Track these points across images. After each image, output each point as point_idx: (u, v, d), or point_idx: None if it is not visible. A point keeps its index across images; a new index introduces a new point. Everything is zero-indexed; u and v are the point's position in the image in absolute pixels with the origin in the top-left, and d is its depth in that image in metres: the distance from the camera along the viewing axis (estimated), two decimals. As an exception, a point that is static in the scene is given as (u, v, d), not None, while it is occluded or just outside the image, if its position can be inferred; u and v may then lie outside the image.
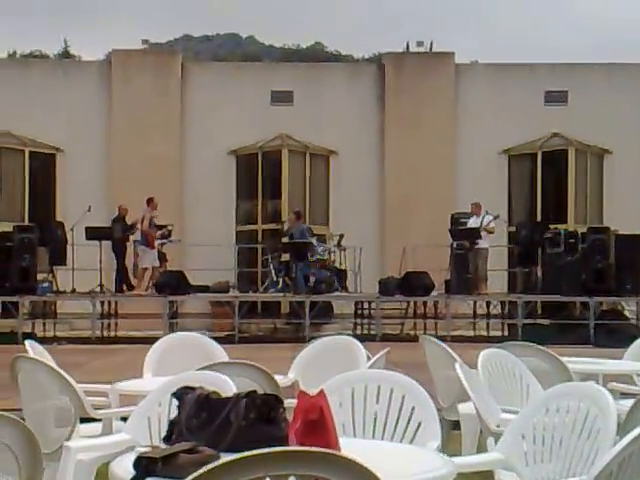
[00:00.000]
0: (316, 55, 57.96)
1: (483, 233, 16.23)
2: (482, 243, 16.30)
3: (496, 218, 16.67)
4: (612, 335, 13.75)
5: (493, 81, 21.72)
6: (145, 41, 23.77)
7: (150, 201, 16.80)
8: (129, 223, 16.92)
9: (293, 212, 17.88)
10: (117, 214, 17.32)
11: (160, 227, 16.72)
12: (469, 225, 16.71)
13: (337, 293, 16.90)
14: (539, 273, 16.95)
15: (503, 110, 21.08)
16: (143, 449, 2.75)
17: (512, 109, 21.10)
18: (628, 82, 21.70)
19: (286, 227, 17.57)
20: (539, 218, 20.29)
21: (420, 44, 23.20)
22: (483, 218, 16.46)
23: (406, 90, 21.35)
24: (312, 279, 16.51)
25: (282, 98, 21.32)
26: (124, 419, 4.29)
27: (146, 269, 16.62)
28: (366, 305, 17.08)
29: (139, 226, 16.52)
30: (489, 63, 23.15)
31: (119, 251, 16.92)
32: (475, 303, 17.14)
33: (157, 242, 16.77)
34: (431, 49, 24.32)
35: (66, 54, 57.26)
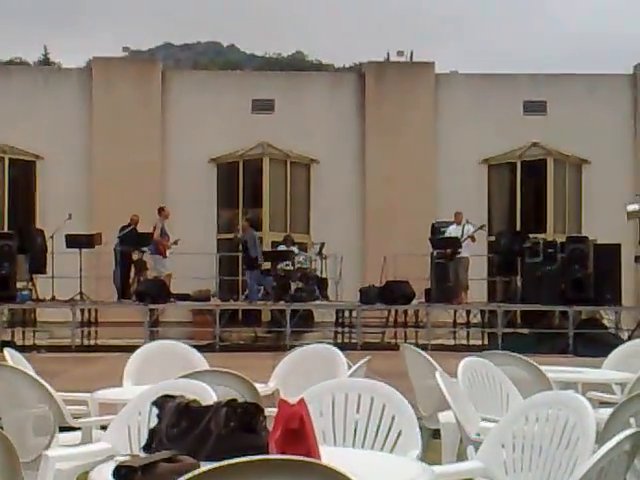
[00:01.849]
0: (297, 64, 58.03)
1: (466, 242, 16.30)
2: (463, 252, 16.37)
3: (481, 228, 16.78)
4: (591, 344, 13.80)
5: (473, 91, 21.83)
6: (126, 49, 23.77)
7: (161, 210, 16.86)
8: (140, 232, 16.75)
9: (245, 219, 17.90)
10: (128, 223, 17.11)
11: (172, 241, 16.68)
12: (448, 233, 16.77)
13: (318, 302, 16.91)
14: (519, 282, 17.01)
15: (483, 120, 21.19)
16: (122, 458, 2.74)
17: (492, 119, 21.22)
18: (607, 93, 21.87)
19: (239, 235, 17.52)
20: (518, 227, 20.38)
21: (400, 54, 23.27)
22: (464, 227, 16.52)
23: (387, 99, 21.42)
24: (293, 287, 16.53)
25: (263, 106, 21.34)
26: (104, 428, 4.27)
27: (168, 275, 16.57)
28: (347, 314, 17.08)
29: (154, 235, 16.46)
30: (469, 73, 23.27)
31: (124, 261, 16.80)
32: (455, 312, 17.18)
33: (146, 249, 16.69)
34: (411, 59, 24.35)
35: (46, 61, 57.03)
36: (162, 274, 16.53)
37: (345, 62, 62.11)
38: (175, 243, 16.83)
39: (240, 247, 17.41)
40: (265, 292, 16.90)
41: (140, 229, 16.76)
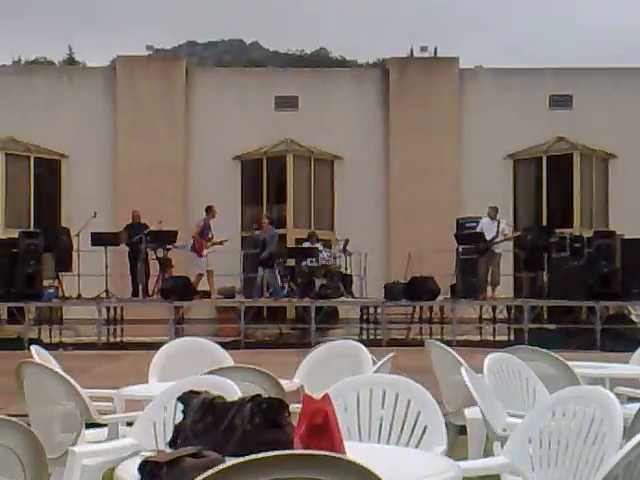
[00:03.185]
0: (320, 60, 58.07)
1: (500, 238, 16.27)
2: (496, 248, 16.31)
3: (517, 237, 16.91)
4: (618, 340, 13.70)
5: (498, 85, 21.71)
6: (150, 47, 23.85)
7: (209, 209, 16.74)
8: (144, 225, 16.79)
9: (265, 217, 17.83)
10: (131, 220, 17.23)
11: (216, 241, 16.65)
12: (481, 226, 16.67)
13: (343, 298, 16.89)
14: (545, 278, 16.90)
15: (508, 114, 21.07)
16: (148, 454, 2.75)
17: (517, 113, 21.09)
18: (633, 86, 21.68)
19: (257, 233, 17.42)
20: (545, 222, 20.26)
21: (424, 49, 23.21)
22: (499, 223, 16.43)
23: (410, 95, 21.36)
24: (318, 284, 16.53)
25: (287, 103, 21.34)
26: (129, 424, 4.29)
27: (200, 275, 16.58)
28: (372, 310, 17.05)
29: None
30: (493, 68, 23.15)
31: (132, 256, 16.87)
32: (481, 308, 17.11)
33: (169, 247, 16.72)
34: (435, 54, 24.30)
35: (71, 60, 57.41)
36: (202, 273, 16.48)
37: (369, 58, 62.02)
38: (221, 243, 16.86)
39: (258, 245, 17.26)
40: (290, 289, 16.91)
41: (165, 226, 16.79)
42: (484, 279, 16.44)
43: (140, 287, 16.92)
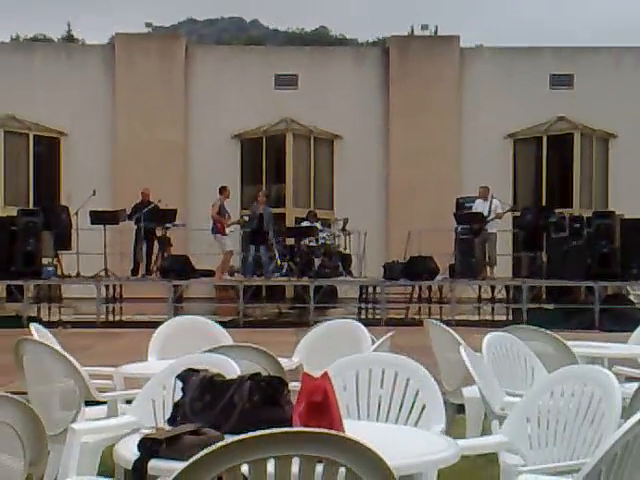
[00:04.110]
0: (321, 39, 57.82)
1: (492, 216, 16.26)
2: (490, 228, 16.30)
3: (512, 210, 16.82)
4: (617, 320, 13.74)
5: (498, 65, 21.63)
6: (149, 24, 23.81)
7: (223, 190, 16.76)
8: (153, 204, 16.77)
9: (264, 194, 17.76)
10: (141, 199, 17.17)
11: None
12: (474, 208, 16.68)
13: (342, 277, 16.91)
14: (544, 258, 16.91)
15: (508, 94, 21.00)
16: (148, 431, 2.75)
17: (517, 93, 21.02)
18: (634, 66, 21.60)
19: (257, 208, 17.28)
20: (544, 202, 20.24)
21: (425, 27, 23.13)
22: (491, 202, 16.42)
23: (411, 74, 21.28)
24: (317, 263, 16.53)
25: (286, 82, 21.27)
26: (129, 402, 4.30)
27: (230, 252, 16.60)
28: (371, 289, 17.08)
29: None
30: (494, 47, 23.05)
31: (137, 236, 16.86)
32: (480, 287, 17.13)
33: (168, 226, 16.72)
34: (436, 33, 24.21)
35: (70, 38, 57.16)
36: (228, 249, 16.52)
37: (369, 37, 61.80)
38: (238, 222, 16.83)
39: (254, 218, 17.17)
40: (289, 268, 16.92)
41: (164, 205, 16.77)
42: (481, 259, 16.45)
43: (142, 265, 16.94)
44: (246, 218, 17.13)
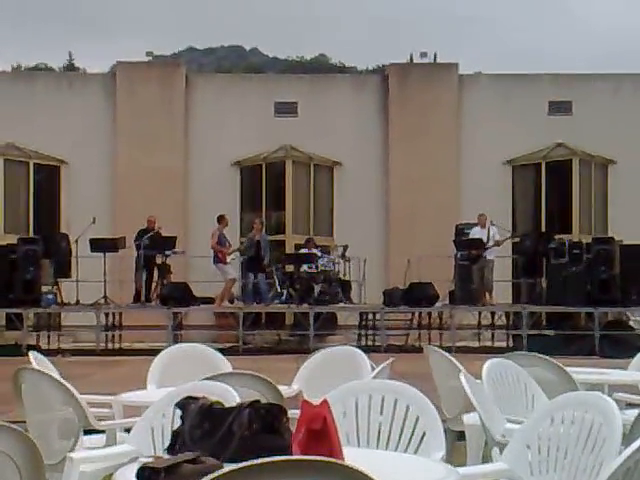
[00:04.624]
0: (320, 66, 58.14)
1: (491, 244, 16.29)
2: (488, 255, 16.33)
3: (510, 238, 16.89)
4: (617, 346, 13.70)
5: (497, 91, 21.73)
6: (149, 53, 23.88)
7: (221, 219, 16.82)
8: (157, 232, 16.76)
9: (260, 222, 17.80)
10: (146, 227, 17.13)
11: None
12: (472, 235, 16.72)
13: (341, 304, 16.88)
14: (544, 284, 16.91)
15: (507, 120, 21.08)
16: (146, 459, 2.74)
17: (516, 119, 21.10)
18: (633, 92, 21.70)
19: (254, 236, 17.27)
20: (543, 228, 20.26)
21: (424, 55, 23.23)
22: (489, 230, 16.47)
23: (410, 101, 21.38)
24: (316, 290, 16.52)
25: (286, 109, 21.36)
26: (127, 430, 4.28)
27: (233, 280, 16.68)
28: (370, 316, 17.04)
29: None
30: (493, 74, 23.17)
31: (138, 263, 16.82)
32: (480, 314, 17.10)
33: (169, 252, 16.72)
34: (435, 60, 24.31)
35: (71, 67, 57.45)
36: (230, 277, 16.55)
37: (368, 64, 62.08)
38: (239, 250, 16.87)
39: (252, 246, 17.18)
40: (289, 295, 16.90)
41: (164, 232, 16.78)
42: (480, 285, 16.45)
43: (142, 292, 16.91)
44: (244, 245, 17.15)
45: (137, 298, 16.94)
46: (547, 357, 5.66)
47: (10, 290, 15.03)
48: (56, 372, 5.08)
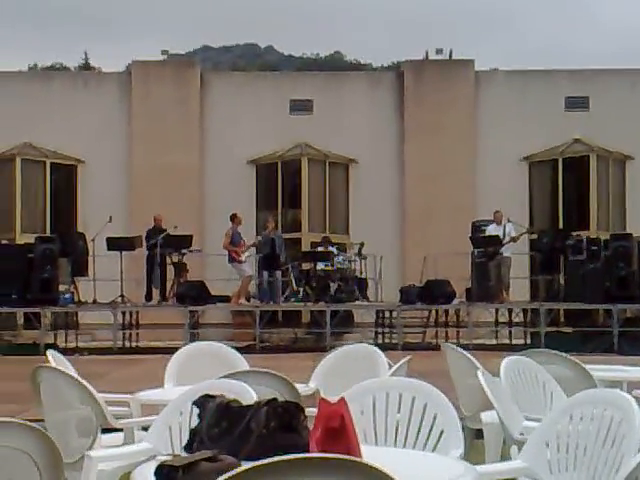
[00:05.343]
0: (335, 64, 58.04)
1: (507, 240, 16.23)
2: (505, 252, 16.26)
3: (528, 232, 16.79)
4: (636, 343, 13.64)
5: (513, 88, 21.65)
6: (165, 52, 23.90)
7: (234, 217, 16.79)
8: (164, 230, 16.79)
9: (273, 220, 17.78)
10: (153, 224, 17.18)
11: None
12: (488, 232, 16.66)
13: (358, 302, 16.87)
14: (562, 280, 16.83)
15: (524, 117, 21.01)
16: (164, 458, 2.74)
17: (533, 116, 21.02)
18: (649, 87, 21.57)
19: (268, 234, 17.25)
20: (561, 225, 20.17)
21: (439, 52, 23.15)
22: (505, 227, 16.40)
23: (426, 98, 21.33)
24: (333, 288, 16.51)
25: (301, 107, 21.36)
26: (145, 429, 4.29)
27: (249, 277, 16.66)
28: (387, 314, 17.03)
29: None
30: (509, 70, 23.08)
31: (149, 261, 16.85)
32: (497, 311, 17.05)
33: (185, 251, 16.73)
34: (451, 56, 24.22)
35: (86, 66, 57.61)
36: (246, 275, 16.57)
37: (383, 61, 61.96)
38: (253, 245, 16.89)
39: (267, 243, 17.17)
40: (305, 293, 16.91)
41: (180, 231, 16.79)
42: (496, 283, 16.39)
43: (157, 291, 16.94)
44: (259, 240, 17.10)
45: (149, 297, 16.98)
46: (565, 354, 5.64)
47: (28, 289, 15.11)
48: (74, 371, 5.09)
